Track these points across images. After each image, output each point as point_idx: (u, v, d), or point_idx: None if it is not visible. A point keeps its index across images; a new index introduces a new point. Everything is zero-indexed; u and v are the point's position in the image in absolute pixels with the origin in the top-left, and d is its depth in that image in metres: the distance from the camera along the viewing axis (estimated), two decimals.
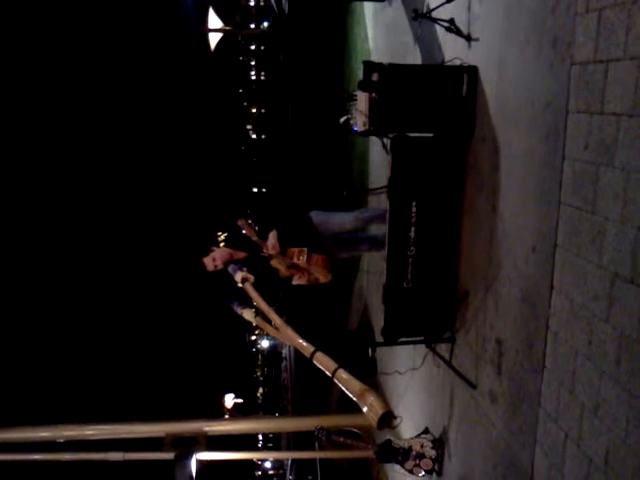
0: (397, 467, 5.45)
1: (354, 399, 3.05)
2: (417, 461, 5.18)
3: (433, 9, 4.47)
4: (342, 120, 4.66)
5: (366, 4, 8.92)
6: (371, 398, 2.93)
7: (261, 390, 65.25)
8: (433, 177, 4.27)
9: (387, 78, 4.07)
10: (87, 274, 26.02)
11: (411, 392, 6.09)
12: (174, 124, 34.87)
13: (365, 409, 2.93)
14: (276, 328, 4.04)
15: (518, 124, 3.60)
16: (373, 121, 4.14)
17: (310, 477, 16.53)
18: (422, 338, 4.72)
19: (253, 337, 60.43)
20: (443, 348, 4.73)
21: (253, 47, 62.42)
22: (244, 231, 5.14)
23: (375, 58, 7.89)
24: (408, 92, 4.13)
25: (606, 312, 2.71)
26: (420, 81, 4.16)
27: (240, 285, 4.71)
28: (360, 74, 4.27)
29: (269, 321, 4.21)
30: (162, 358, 29.62)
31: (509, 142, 3.77)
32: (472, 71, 4.14)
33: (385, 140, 4.79)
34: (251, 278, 4.70)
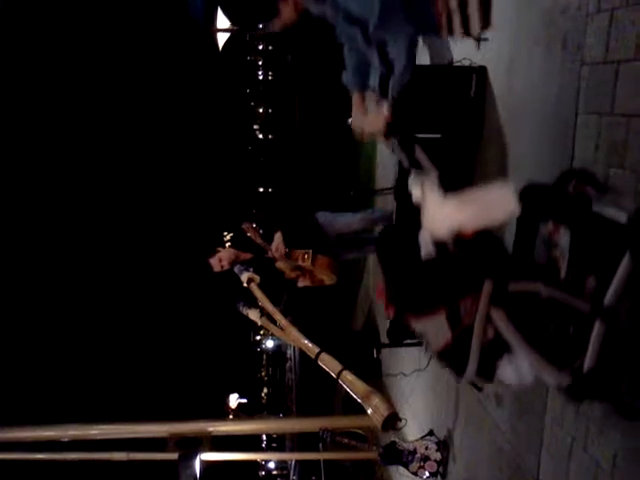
0: (401, 469, 5.43)
1: (359, 400, 3.03)
2: (422, 463, 5.16)
3: None
4: (350, 121, 4.65)
5: None
6: (376, 400, 2.90)
7: (265, 390, 65.24)
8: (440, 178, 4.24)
9: None
10: (92, 275, 26.08)
11: (416, 394, 6.06)
12: (181, 124, 34.94)
13: (370, 411, 2.91)
14: (281, 328, 4.03)
15: (527, 125, 3.58)
16: None
17: (314, 478, 16.51)
18: None
19: (258, 337, 60.44)
20: None
21: (261, 47, 62.43)
22: (249, 234, 5.14)
23: None
24: (416, 93, 4.11)
25: None
26: (428, 82, 4.13)
27: (246, 285, 4.70)
28: None
29: (274, 321, 4.20)
30: (167, 358, 29.67)
31: (518, 143, 3.74)
32: (481, 72, 4.12)
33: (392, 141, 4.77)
34: (257, 279, 4.69)
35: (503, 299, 2.04)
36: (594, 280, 1.94)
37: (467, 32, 2.64)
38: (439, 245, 2.17)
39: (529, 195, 2.15)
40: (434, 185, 2.28)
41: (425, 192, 2.30)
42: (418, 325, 2.29)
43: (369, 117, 3.05)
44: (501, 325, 2.04)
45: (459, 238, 2.13)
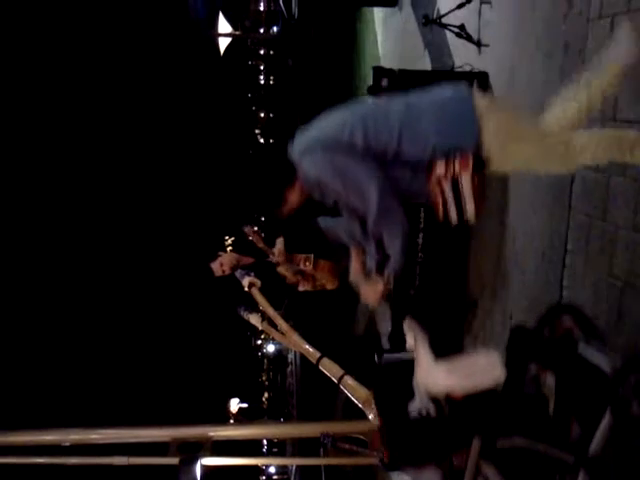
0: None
1: (360, 406, 3.03)
2: None
3: (443, 15, 4.46)
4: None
5: (376, 10, 8.92)
6: None
7: (266, 395, 65.16)
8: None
9: (397, 84, 4.05)
10: (93, 279, 26.09)
11: None
12: (183, 128, 34.99)
13: (371, 416, 2.91)
14: (282, 333, 4.02)
15: None
16: None
17: None
18: None
19: (259, 342, 60.44)
20: None
21: (262, 52, 62.60)
22: (250, 237, 5.12)
23: (384, 63, 7.87)
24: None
25: (615, 322, 2.68)
26: (430, 87, 4.13)
27: (247, 290, 4.69)
28: (369, 79, 4.26)
29: (275, 326, 4.19)
30: (168, 362, 29.64)
31: None
32: (482, 77, 4.12)
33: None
34: (258, 283, 4.67)
35: (492, 454, 2.17)
36: (579, 428, 2.08)
37: (462, 218, 2.78)
38: (431, 399, 2.30)
39: (517, 338, 2.28)
40: (425, 346, 2.42)
41: (417, 349, 2.43)
42: (411, 473, 2.49)
43: (366, 286, 3.21)
44: (490, 476, 2.17)
45: (449, 398, 2.27)
